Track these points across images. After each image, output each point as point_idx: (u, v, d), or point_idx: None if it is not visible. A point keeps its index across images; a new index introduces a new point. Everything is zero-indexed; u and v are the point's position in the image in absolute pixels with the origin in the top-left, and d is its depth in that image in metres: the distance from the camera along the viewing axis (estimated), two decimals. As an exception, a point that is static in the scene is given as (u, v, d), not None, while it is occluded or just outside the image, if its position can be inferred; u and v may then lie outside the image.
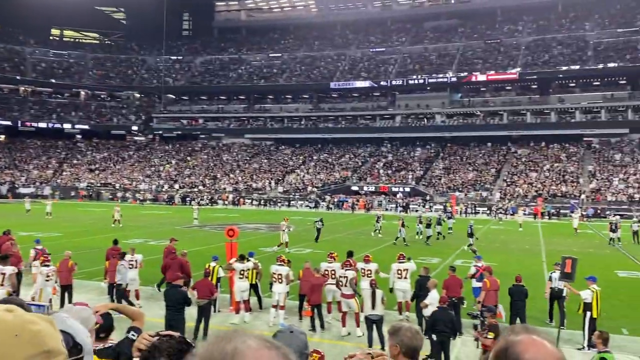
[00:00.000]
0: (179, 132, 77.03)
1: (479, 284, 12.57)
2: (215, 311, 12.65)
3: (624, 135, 58.13)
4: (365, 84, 70.75)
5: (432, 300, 10.47)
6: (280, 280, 12.26)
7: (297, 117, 73.46)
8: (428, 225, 27.46)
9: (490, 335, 7.36)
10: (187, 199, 57.73)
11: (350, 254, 14.04)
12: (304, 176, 64.36)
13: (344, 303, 11.93)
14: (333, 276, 12.68)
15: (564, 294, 12.12)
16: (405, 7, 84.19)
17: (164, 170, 69.70)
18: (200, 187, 63.81)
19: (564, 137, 59.66)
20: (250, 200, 57.86)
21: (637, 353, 10.73)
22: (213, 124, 76.21)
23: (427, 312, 10.49)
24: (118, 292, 13.05)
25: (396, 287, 13.00)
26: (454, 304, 11.05)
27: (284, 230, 24.60)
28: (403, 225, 26.54)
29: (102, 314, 3.10)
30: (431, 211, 45.76)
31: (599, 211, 45.59)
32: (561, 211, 46.24)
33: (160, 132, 77.85)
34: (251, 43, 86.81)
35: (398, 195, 55.93)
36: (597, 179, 52.33)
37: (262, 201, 56.57)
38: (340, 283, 12.00)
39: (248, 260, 13.02)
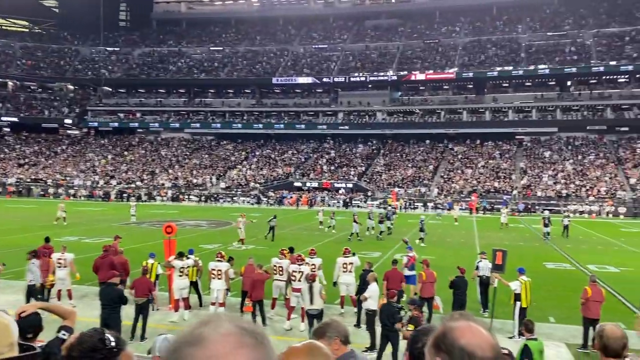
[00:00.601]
0: (116, 126, 74.38)
1: (412, 272, 13.52)
2: (153, 309, 12.37)
3: (553, 133, 61.22)
4: (308, 80, 70.91)
5: (372, 293, 10.65)
6: (219, 277, 12.12)
7: (239, 112, 72.67)
8: (381, 221, 28.14)
9: (410, 327, 7.50)
10: (124, 195, 55.92)
11: (291, 250, 14.12)
12: (246, 172, 63.82)
13: (293, 298, 11.97)
14: (281, 272, 12.69)
15: (493, 284, 12.65)
16: (348, 5, 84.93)
17: (100, 165, 67.19)
18: (138, 183, 61.99)
19: (498, 135, 62.13)
20: (190, 197, 56.68)
21: (563, 339, 11.35)
22: (151, 118, 74.12)
23: (367, 304, 10.68)
24: (30, 292, 12.42)
25: (340, 281, 13.13)
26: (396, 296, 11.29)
27: (240, 228, 24.19)
28: (356, 222, 27.01)
29: (30, 313, 2.96)
30: (373, 207, 46.50)
31: (529, 206, 47.83)
32: (495, 206, 48.17)
33: (96, 125, 74.92)
34: (191, 36, 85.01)
35: (340, 191, 56.52)
36: (528, 176, 54.86)
37: (203, 197, 55.68)
38: (294, 278, 12.00)
39: (188, 258, 12.79)
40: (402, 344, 8.07)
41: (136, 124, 74.48)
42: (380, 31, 78.84)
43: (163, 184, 61.27)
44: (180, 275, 12.24)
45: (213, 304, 12.14)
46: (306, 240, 24.77)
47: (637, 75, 60.72)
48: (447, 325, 1.39)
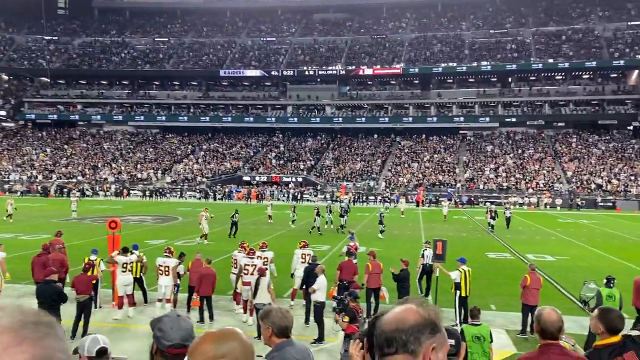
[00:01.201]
0: (55, 119, 71.29)
1: (354, 261, 13.69)
2: (96, 307, 11.98)
3: (494, 128, 63.36)
4: (256, 73, 70.28)
5: (320, 285, 10.71)
6: (166, 273, 11.87)
7: (185, 104, 71.21)
8: (342, 215, 28.49)
9: (346, 318, 7.59)
10: (65, 190, 53.80)
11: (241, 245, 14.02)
12: (192, 166, 62.70)
13: (244, 291, 11.87)
14: (235, 265, 12.57)
15: (435, 273, 13.00)
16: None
17: (39, 159, 64.31)
18: (80, 178, 59.78)
19: (442, 130, 63.73)
20: (130, 192, 55.01)
21: (504, 326, 11.78)
22: (93, 110, 71.53)
23: (315, 297, 10.73)
24: None
25: (297, 274, 13.06)
26: (345, 287, 11.38)
27: (201, 224, 23.53)
28: (318, 215, 27.22)
29: None
30: (318, 202, 46.74)
31: (472, 199, 49.36)
32: (440, 199, 49.42)
33: (33, 118, 71.56)
34: (135, 26, 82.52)
35: (290, 185, 56.48)
36: (471, 169, 56.58)
37: (148, 192, 54.27)
38: (246, 271, 11.89)
39: (132, 253, 12.45)
40: (341, 335, 8.13)
41: (77, 117, 71.71)
42: (328, 25, 79.05)
43: (106, 179, 59.36)
44: (124, 271, 11.91)
45: (160, 300, 11.89)
46: (256, 234, 24.62)
47: (573, 73, 63.68)
48: (384, 311, 1.50)
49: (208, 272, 11.80)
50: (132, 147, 68.44)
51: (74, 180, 58.91)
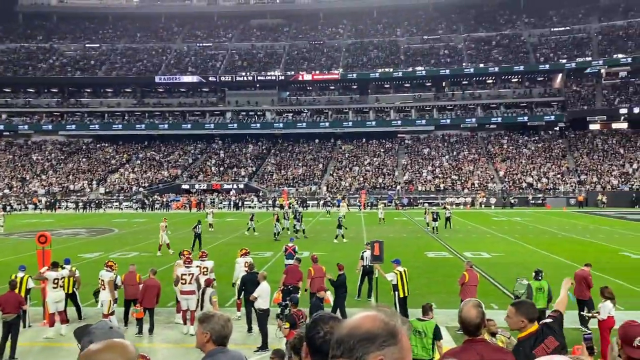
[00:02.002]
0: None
1: (290, 261, 14.43)
2: (25, 326, 11.32)
3: (430, 132, 65.14)
4: (193, 79, 69.03)
5: (262, 292, 10.58)
6: (102, 287, 11.43)
7: (119, 112, 68.88)
8: (298, 220, 28.45)
9: (287, 325, 7.56)
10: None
11: (180, 254, 13.67)
12: (128, 175, 60.72)
13: (183, 301, 11.57)
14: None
15: (375, 274, 13.17)
16: (232, 4, 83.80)
17: (-41, 172, 60.38)
18: (6, 191, 56.56)
19: (381, 133, 64.91)
20: (58, 204, 52.45)
21: (444, 323, 12.03)
22: (20, 120, 67.88)
23: (258, 304, 10.59)
24: None
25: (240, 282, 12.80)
26: (289, 292, 11.30)
27: (160, 234, 22.62)
28: (278, 220, 27.14)
29: None
30: (255, 208, 46.39)
31: (412, 200, 50.48)
32: (380, 201, 50.21)
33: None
34: (64, 31, 79.17)
35: (231, 193, 55.72)
36: (410, 171, 57.90)
37: (81, 204, 51.90)
38: (183, 281, 11.60)
39: (63, 268, 11.86)
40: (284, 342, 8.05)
41: (1, 127, 67.84)
42: (266, 31, 78.87)
43: (36, 192, 56.50)
44: (55, 287, 11.31)
45: (105, 315, 11.37)
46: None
47: (503, 77, 66.57)
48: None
49: (153, 283, 11.48)
50: (63, 157, 65.49)
51: (0, 193, 55.69)
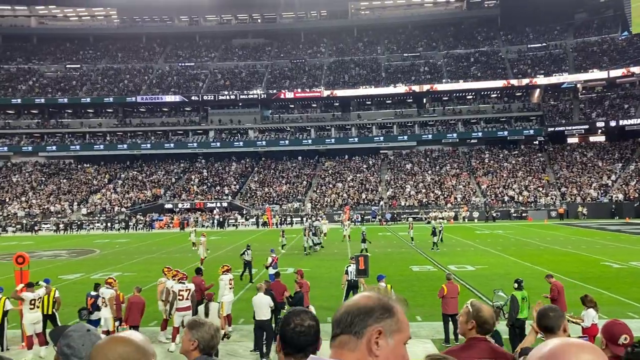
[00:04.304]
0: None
1: (275, 271, 15.28)
2: (3, 349, 11.05)
3: (413, 147, 65.64)
4: (176, 98, 68.96)
5: (258, 303, 10.61)
6: (104, 304, 11.26)
7: (100, 132, 68.34)
8: (314, 234, 28.77)
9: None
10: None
11: (197, 271, 13.69)
12: (110, 196, 60.06)
13: (177, 317, 11.47)
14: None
15: (360, 289, 13.16)
16: (213, 24, 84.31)
17: None
18: (-15, 214, 55.54)
19: (364, 150, 65.25)
20: (36, 226, 51.51)
21: (429, 336, 12.05)
22: (-1, 142, 66.92)
23: (257, 316, 10.64)
24: None
25: (226, 300, 12.62)
26: (278, 309, 11.24)
27: (197, 248, 24.54)
28: (306, 235, 27.81)
29: None
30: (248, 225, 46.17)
31: (395, 215, 50.64)
32: (365, 217, 50.34)
33: None
34: (44, 52, 78.70)
35: (215, 211, 55.35)
36: (393, 187, 58.16)
37: (62, 225, 51.02)
38: (181, 297, 11.54)
39: (38, 286, 11.62)
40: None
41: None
42: (248, 50, 79.28)
43: (15, 214, 55.55)
44: (32, 309, 11.05)
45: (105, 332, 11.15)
46: (181, 262, 23.80)
47: (482, 93, 67.59)
48: None
49: (137, 300, 11.37)
50: (43, 179, 64.62)
51: (-22, 216, 54.67)
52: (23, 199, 59.33)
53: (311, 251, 27.80)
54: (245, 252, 19.64)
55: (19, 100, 69.06)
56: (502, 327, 9.03)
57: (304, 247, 27.85)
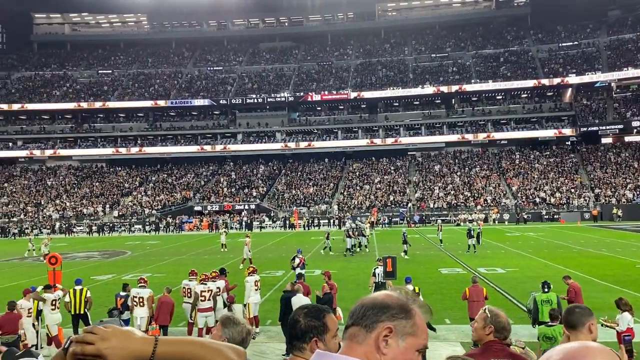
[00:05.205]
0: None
1: (303, 271, 15.47)
2: (37, 348, 11.30)
3: (441, 148, 64.96)
4: (205, 102, 69.85)
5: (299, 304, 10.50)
6: (141, 304, 11.38)
7: (132, 136, 69.66)
8: (349, 236, 28.87)
9: None
10: (6, 229, 51.30)
11: (221, 272, 13.86)
12: (141, 198, 61.13)
13: (200, 318, 11.54)
14: (189, 294, 12.22)
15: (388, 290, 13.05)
16: (241, 28, 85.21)
17: (-25, 199, 61.21)
18: (22, 216, 57.17)
19: (392, 151, 64.85)
20: (71, 228, 52.82)
21: (459, 339, 11.86)
22: (35, 146, 68.84)
23: None
24: None
25: (252, 301, 12.66)
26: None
27: (244, 250, 24.86)
28: (349, 236, 28.22)
29: None
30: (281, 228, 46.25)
31: (424, 217, 50.16)
32: (392, 219, 50.03)
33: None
34: (77, 59, 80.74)
35: (243, 213, 55.82)
36: (421, 189, 57.65)
37: (95, 227, 52.17)
38: (203, 298, 11.62)
39: (58, 289, 11.80)
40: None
41: (22, 153, 68.74)
42: (275, 54, 79.79)
43: (50, 216, 57.02)
44: (53, 309, 11.23)
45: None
46: (210, 263, 24.07)
47: (513, 93, 66.50)
48: None
49: (167, 300, 11.49)
50: (76, 181, 66.22)
51: (15, 219, 56.29)
52: (57, 201, 60.86)
53: (352, 252, 27.87)
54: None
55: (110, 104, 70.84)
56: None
57: (347, 249, 27.99)
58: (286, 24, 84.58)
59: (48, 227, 53.07)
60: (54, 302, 11.30)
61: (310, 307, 2.13)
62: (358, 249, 29.06)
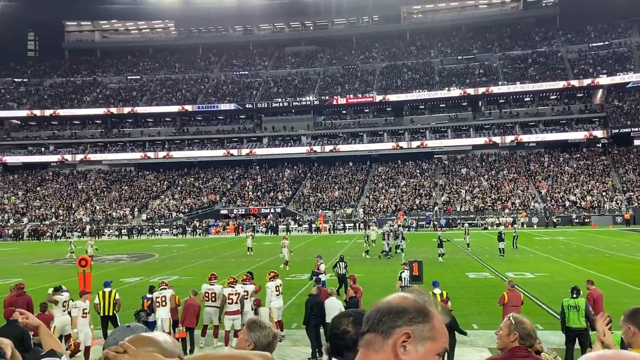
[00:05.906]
0: (26, 161, 70.03)
1: (327, 276, 16.15)
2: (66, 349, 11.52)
3: (468, 151, 64.21)
4: (231, 106, 70.53)
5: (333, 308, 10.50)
6: (164, 303, 11.52)
7: (159, 141, 70.76)
8: (396, 237, 29.24)
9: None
10: (39, 232, 52.58)
11: (250, 275, 13.85)
12: (169, 202, 61.97)
13: (227, 321, 11.61)
14: (213, 298, 12.29)
15: None
16: (267, 32, 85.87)
17: (9, 202, 62.89)
18: (54, 219, 58.54)
19: (417, 154, 64.37)
20: (99, 231, 53.87)
21: (487, 345, 11.67)
22: (66, 151, 70.50)
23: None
24: None
25: (274, 306, 12.68)
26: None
27: (282, 251, 25.44)
28: (367, 241, 29.20)
29: None
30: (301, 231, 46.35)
31: (450, 221, 49.61)
32: (419, 223, 49.57)
33: (4, 161, 70.15)
34: (107, 65, 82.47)
35: (269, 217, 56.07)
36: (447, 192, 57.05)
37: (124, 231, 53.15)
38: (230, 301, 11.68)
39: (64, 291, 11.92)
40: None
41: (54, 157, 70.49)
42: (300, 58, 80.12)
43: (80, 219, 58.23)
44: (64, 312, 11.34)
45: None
46: (236, 267, 24.25)
47: (541, 94, 65.36)
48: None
49: (193, 303, 11.61)
50: (106, 185, 67.52)
51: (47, 222, 57.66)
52: (88, 205, 62.13)
53: (389, 255, 27.85)
54: (338, 265, 17.61)
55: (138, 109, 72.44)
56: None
57: (384, 251, 28.06)
58: (311, 28, 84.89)
59: (79, 230, 54.19)
60: (65, 304, 11.44)
61: (355, 315, 2.07)
62: (397, 252, 28.75)
